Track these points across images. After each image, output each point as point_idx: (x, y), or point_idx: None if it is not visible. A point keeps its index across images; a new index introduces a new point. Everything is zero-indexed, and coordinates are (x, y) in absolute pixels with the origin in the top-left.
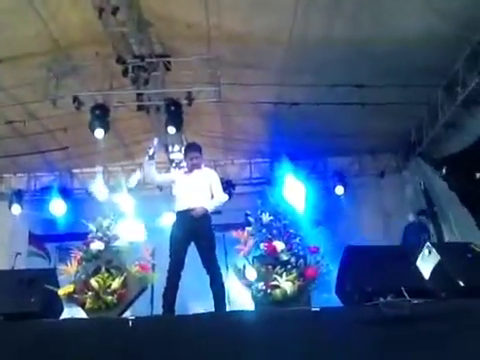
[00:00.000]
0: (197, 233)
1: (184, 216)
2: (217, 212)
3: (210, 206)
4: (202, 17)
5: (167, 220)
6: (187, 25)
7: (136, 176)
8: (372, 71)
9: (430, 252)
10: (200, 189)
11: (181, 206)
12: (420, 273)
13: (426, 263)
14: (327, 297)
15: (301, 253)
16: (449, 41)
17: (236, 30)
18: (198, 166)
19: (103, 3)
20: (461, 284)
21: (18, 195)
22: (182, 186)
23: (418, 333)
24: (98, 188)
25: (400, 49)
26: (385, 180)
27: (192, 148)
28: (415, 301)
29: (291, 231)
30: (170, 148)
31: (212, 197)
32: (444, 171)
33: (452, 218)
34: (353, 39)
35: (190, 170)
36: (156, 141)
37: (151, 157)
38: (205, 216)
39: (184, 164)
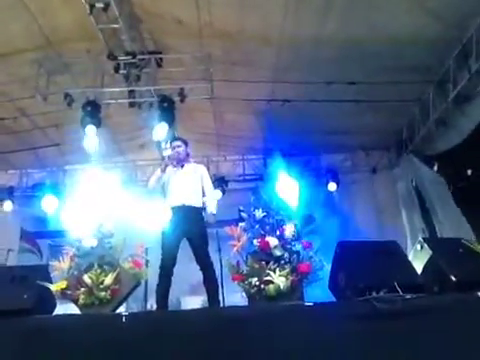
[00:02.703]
0: (190, 229)
1: (177, 212)
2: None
3: (213, 208)
4: (193, 14)
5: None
6: (177, 20)
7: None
8: (364, 69)
9: (422, 247)
10: (192, 185)
11: (173, 202)
12: (412, 268)
13: (418, 258)
14: (320, 292)
15: (294, 249)
16: (440, 39)
17: (228, 27)
18: (183, 156)
19: None
20: (453, 279)
21: (10, 192)
22: (174, 182)
23: (410, 327)
24: None
25: (392, 47)
26: (377, 176)
27: (175, 139)
28: (407, 296)
29: (284, 227)
30: (162, 145)
31: (203, 193)
32: (436, 168)
33: (444, 214)
34: (344, 37)
35: (177, 161)
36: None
37: (163, 170)
38: (198, 212)
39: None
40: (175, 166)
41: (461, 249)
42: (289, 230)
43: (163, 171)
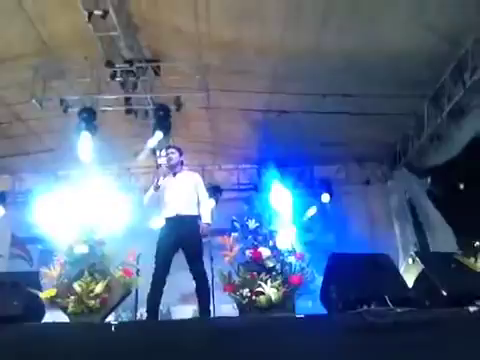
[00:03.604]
0: (185, 238)
1: (172, 222)
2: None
3: (208, 218)
4: (192, 23)
5: (156, 224)
6: (176, 30)
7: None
8: (360, 81)
9: (414, 261)
10: (186, 194)
11: (168, 212)
12: (404, 282)
13: (410, 272)
14: (312, 304)
15: (286, 260)
16: (435, 53)
17: (225, 37)
18: (175, 162)
19: (92, 6)
20: (444, 293)
21: (1, 197)
22: (168, 191)
23: (401, 341)
24: None
25: (388, 60)
26: (371, 189)
27: (169, 146)
28: (398, 309)
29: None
30: (157, 153)
31: (198, 200)
32: (429, 181)
33: (436, 228)
34: (341, 49)
35: (170, 168)
36: (163, 173)
37: (157, 188)
38: (193, 221)
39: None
40: (167, 173)
41: (453, 264)
42: (286, 240)
43: (156, 190)
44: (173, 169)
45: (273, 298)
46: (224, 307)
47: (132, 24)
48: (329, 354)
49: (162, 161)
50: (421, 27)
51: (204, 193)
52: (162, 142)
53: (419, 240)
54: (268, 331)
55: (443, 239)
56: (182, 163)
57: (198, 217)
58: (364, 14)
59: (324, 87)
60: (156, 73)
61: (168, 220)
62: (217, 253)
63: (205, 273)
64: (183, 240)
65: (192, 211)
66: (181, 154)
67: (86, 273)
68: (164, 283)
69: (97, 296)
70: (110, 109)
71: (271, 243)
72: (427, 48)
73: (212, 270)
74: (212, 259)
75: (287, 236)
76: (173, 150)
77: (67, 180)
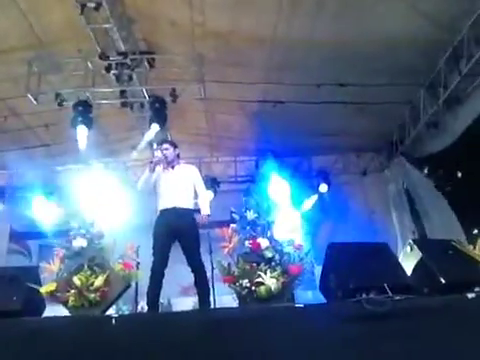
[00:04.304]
0: (181, 231)
1: (168, 214)
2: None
3: (207, 209)
4: (186, 15)
5: None
6: (170, 21)
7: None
8: (356, 70)
9: (412, 249)
10: (183, 187)
11: (164, 204)
12: (402, 270)
13: (408, 260)
14: (312, 295)
15: (285, 250)
16: (431, 42)
17: (220, 28)
18: (171, 158)
19: None
20: (442, 281)
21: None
22: (164, 183)
23: (400, 329)
24: None
25: (383, 49)
26: (368, 178)
27: (163, 141)
28: (397, 297)
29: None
30: (154, 146)
31: (195, 193)
32: (426, 170)
33: (434, 216)
34: (337, 39)
35: (166, 163)
36: (159, 160)
37: (152, 170)
38: (189, 214)
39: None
40: (165, 168)
41: (451, 251)
42: (289, 227)
43: (151, 171)
44: (171, 164)
45: (273, 288)
46: (224, 298)
47: (126, 16)
48: (329, 343)
49: (158, 154)
50: (417, 16)
51: (201, 185)
52: (159, 135)
53: (417, 228)
54: (268, 321)
55: (443, 225)
56: (179, 156)
57: (194, 211)
58: (359, 2)
59: (319, 77)
60: (151, 65)
61: (163, 211)
62: (216, 245)
63: (203, 265)
64: (179, 232)
65: (188, 204)
66: (175, 147)
67: (86, 267)
68: (163, 275)
69: (97, 289)
70: (105, 102)
71: (269, 233)
72: (423, 36)
73: (212, 262)
74: (211, 251)
75: (289, 224)
76: (167, 146)
77: (64, 174)
